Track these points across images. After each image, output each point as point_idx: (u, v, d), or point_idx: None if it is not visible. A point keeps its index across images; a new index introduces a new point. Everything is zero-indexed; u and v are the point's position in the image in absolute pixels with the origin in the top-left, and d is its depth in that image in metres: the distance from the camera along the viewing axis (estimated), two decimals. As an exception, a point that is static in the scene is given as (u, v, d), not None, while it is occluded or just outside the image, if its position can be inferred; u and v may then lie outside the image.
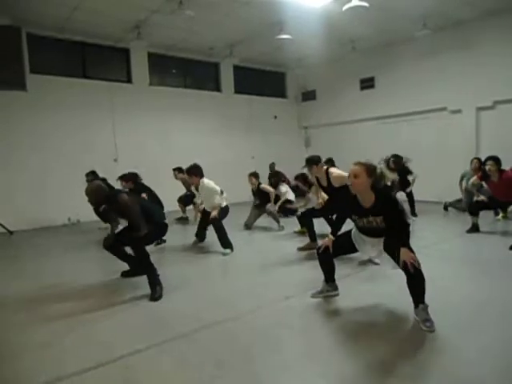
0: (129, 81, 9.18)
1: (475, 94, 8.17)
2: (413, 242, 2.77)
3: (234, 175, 8.75)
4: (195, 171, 5.12)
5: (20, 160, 7.60)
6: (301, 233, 5.85)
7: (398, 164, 6.93)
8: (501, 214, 6.49)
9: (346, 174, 3.57)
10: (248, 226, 6.67)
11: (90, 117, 8.44)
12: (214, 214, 5.00)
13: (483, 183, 5.75)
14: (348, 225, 3.19)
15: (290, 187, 7.69)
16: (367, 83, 10.36)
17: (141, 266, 3.67)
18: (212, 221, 5.04)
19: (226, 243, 5.06)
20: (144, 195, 5.59)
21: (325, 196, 5.09)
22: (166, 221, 4.05)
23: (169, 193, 7.06)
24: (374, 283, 3.65)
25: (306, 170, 5.16)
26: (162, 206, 5.61)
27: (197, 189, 5.27)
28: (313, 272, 3.78)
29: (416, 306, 2.70)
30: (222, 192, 5.21)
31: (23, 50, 7.51)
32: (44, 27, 7.67)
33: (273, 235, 6.19)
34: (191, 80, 10.34)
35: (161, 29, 7.88)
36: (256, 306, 3.19)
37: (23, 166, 7.62)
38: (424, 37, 8.09)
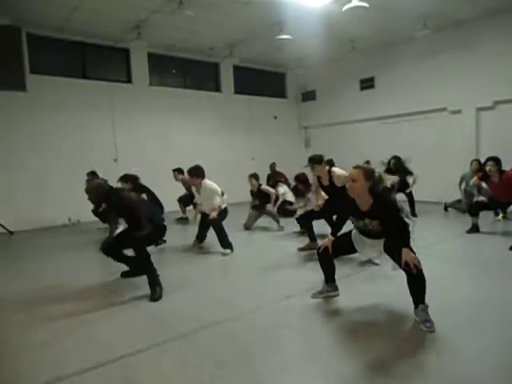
0: (129, 81, 9.18)
1: (475, 94, 8.17)
2: (413, 243, 2.77)
3: (234, 175, 8.75)
4: (196, 172, 5.12)
5: (20, 160, 7.60)
6: (301, 233, 5.85)
7: (398, 166, 7.03)
8: (501, 215, 6.50)
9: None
10: (247, 227, 6.67)
11: (89, 117, 8.44)
12: (214, 214, 5.00)
13: (483, 183, 5.75)
14: (349, 225, 3.19)
15: (290, 188, 7.70)
16: (367, 83, 10.36)
17: (141, 266, 3.66)
18: (211, 222, 5.05)
19: (225, 244, 5.06)
20: (144, 196, 5.59)
21: (324, 196, 5.09)
22: (165, 223, 4.05)
23: (168, 193, 7.07)
24: (373, 283, 3.65)
25: (308, 169, 5.13)
26: (161, 208, 5.61)
27: (198, 190, 5.25)
28: (313, 272, 3.78)
29: (416, 307, 2.71)
30: (222, 193, 5.22)
31: (23, 50, 7.52)
32: (44, 27, 7.67)
33: (273, 235, 6.19)
34: (191, 80, 10.34)
35: (161, 29, 7.88)
36: (256, 306, 3.19)
37: (23, 166, 7.62)
38: (424, 37, 8.09)
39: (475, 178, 5.70)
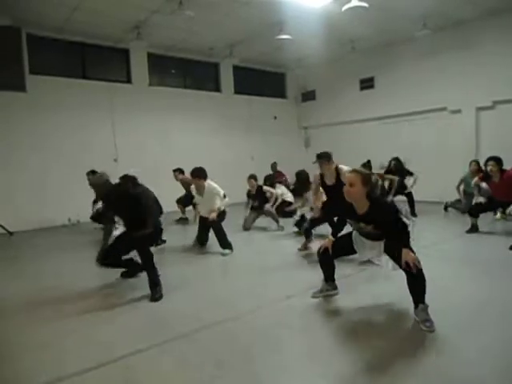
0: (128, 81, 9.18)
1: (475, 94, 8.18)
2: (413, 242, 2.77)
3: (234, 175, 8.74)
4: (199, 173, 5.11)
5: (20, 160, 7.60)
6: (300, 233, 5.83)
7: (398, 167, 7.20)
8: (499, 214, 6.50)
9: None
10: (247, 227, 6.66)
11: (89, 117, 8.44)
12: (214, 215, 5.00)
13: (483, 184, 5.75)
14: (349, 226, 3.19)
15: (289, 188, 7.71)
16: (367, 83, 10.37)
17: (145, 266, 3.64)
18: (211, 223, 5.05)
19: (225, 244, 5.06)
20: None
21: (323, 197, 4.99)
22: (162, 226, 4.05)
23: (168, 193, 7.05)
24: (373, 283, 3.65)
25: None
26: (160, 210, 5.60)
27: (199, 191, 5.24)
28: (313, 272, 3.78)
29: (416, 307, 2.71)
30: (224, 196, 5.22)
31: (23, 51, 7.53)
32: (44, 28, 7.67)
33: (272, 235, 6.19)
34: (191, 80, 10.34)
35: (161, 29, 7.89)
36: (256, 306, 3.19)
37: (23, 167, 7.62)
38: (424, 37, 8.09)
39: (476, 179, 5.70)
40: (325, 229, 5.07)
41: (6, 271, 4.77)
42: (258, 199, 6.68)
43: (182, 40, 8.76)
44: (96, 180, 3.70)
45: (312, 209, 5.41)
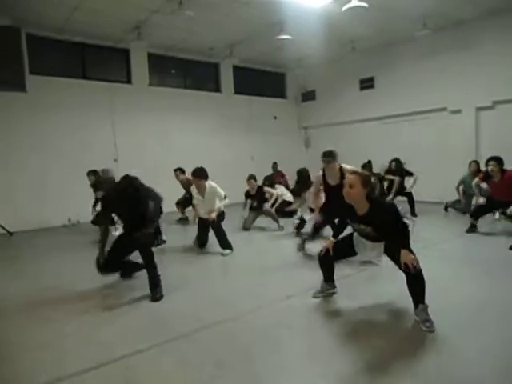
0: (128, 81, 9.17)
1: (475, 94, 8.17)
2: (412, 243, 2.77)
3: (234, 175, 8.73)
4: (200, 174, 5.11)
5: (20, 160, 7.60)
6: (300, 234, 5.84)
7: (398, 167, 7.25)
8: (497, 213, 6.49)
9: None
10: (246, 228, 6.66)
11: (89, 117, 8.44)
12: (213, 216, 5.00)
13: (483, 184, 5.75)
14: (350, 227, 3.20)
15: (288, 189, 7.73)
16: (367, 83, 10.36)
17: (146, 266, 3.64)
18: (211, 223, 5.05)
19: (225, 244, 5.06)
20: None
21: (322, 200, 4.89)
22: (163, 226, 4.06)
23: (168, 193, 7.01)
24: (374, 283, 3.65)
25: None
26: (160, 210, 5.59)
27: (200, 192, 5.23)
28: (313, 272, 3.77)
29: (416, 307, 2.71)
30: (225, 197, 5.23)
31: (23, 51, 7.51)
32: (44, 28, 7.66)
33: (272, 235, 6.19)
34: (191, 80, 10.34)
35: (161, 29, 7.88)
36: (256, 306, 3.19)
37: (23, 167, 7.62)
38: (424, 37, 8.08)
39: (477, 179, 5.70)
40: (325, 230, 5.08)
41: (5, 271, 4.77)
42: (258, 199, 6.68)
43: (182, 40, 8.76)
44: (103, 175, 3.75)
45: (311, 209, 5.40)
